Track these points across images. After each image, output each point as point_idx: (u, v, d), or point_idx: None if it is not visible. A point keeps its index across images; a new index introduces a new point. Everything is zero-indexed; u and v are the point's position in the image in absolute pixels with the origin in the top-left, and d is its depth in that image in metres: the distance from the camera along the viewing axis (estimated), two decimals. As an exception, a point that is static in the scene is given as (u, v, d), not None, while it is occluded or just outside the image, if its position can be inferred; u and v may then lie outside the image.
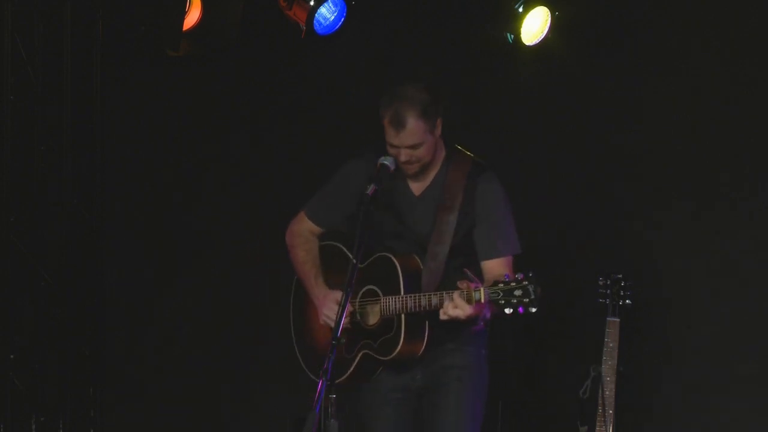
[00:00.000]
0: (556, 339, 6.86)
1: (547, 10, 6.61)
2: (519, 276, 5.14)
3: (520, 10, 6.56)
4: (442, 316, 5.23)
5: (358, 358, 5.48)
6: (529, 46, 6.64)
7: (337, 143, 7.43)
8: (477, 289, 5.17)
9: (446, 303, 5.21)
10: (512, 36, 6.61)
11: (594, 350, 6.15)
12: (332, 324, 5.35)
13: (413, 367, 5.49)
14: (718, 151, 6.54)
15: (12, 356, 7.48)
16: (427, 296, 5.29)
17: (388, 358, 5.41)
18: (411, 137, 5.34)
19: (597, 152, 6.83)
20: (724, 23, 6.53)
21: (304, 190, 7.31)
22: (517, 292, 5.12)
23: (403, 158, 5.38)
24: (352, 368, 5.49)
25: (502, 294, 5.13)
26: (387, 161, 5.30)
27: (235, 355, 7.69)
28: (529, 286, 5.11)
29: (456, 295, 5.19)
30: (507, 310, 5.13)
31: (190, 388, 7.76)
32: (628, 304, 6.17)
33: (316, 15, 6.57)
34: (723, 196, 6.52)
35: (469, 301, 5.18)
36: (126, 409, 7.93)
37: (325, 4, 6.60)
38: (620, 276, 6.19)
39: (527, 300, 5.10)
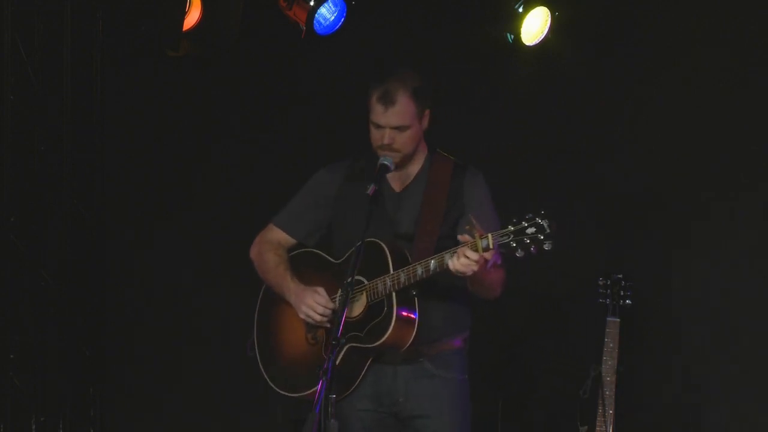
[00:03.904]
0: (556, 339, 6.86)
1: (547, 10, 6.62)
2: (529, 215, 4.76)
3: (520, 10, 6.58)
4: (454, 272, 4.84)
5: (341, 354, 5.04)
6: (529, 46, 6.65)
7: (337, 143, 7.43)
8: (483, 237, 4.78)
9: (449, 261, 4.84)
10: (512, 36, 6.62)
11: (594, 350, 6.15)
12: (315, 317, 5.15)
13: (395, 384, 5.17)
14: (718, 151, 6.54)
15: (12, 356, 7.47)
16: (422, 263, 4.95)
17: (377, 343, 5.03)
18: (399, 117, 5.12)
19: (596, 152, 6.83)
20: (725, 23, 6.53)
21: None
22: (530, 230, 4.73)
23: (386, 140, 5.13)
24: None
25: (512, 236, 4.74)
26: (386, 161, 5.11)
27: (236, 356, 7.67)
28: (542, 222, 4.73)
29: (461, 248, 4.80)
30: (518, 254, 4.74)
31: (190, 388, 7.76)
32: (628, 304, 6.17)
33: (316, 15, 6.59)
34: (723, 195, 6.52)
35: (475, 252, 4.80)
36: (126, 409, 7.93)
37: (325, 4, 6.61)
38: (620, 276, 6.19)
39: (542, 236, 4.72)
